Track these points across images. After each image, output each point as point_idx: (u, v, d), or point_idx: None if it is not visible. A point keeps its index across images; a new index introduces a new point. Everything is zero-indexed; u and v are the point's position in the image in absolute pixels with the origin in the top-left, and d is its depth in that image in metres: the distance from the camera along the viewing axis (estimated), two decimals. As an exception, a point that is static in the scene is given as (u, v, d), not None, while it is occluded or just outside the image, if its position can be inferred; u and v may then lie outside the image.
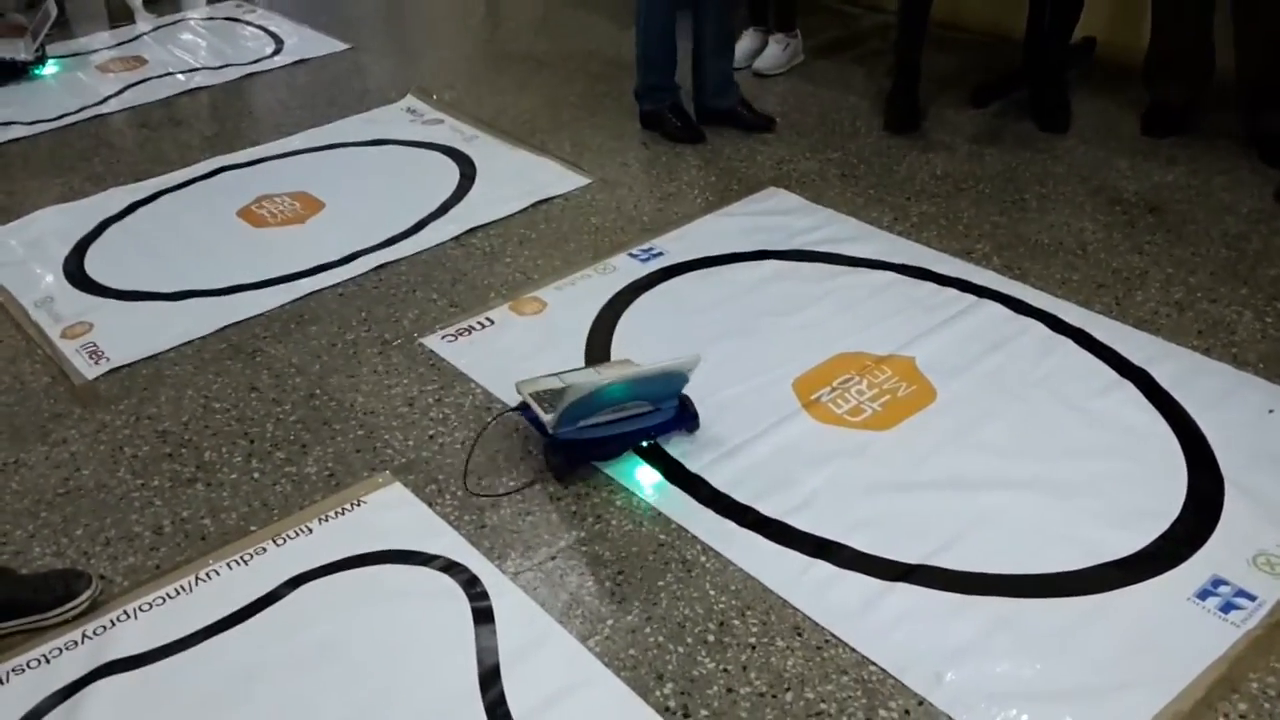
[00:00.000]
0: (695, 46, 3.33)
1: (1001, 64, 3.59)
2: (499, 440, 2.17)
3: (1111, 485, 1.99)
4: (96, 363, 2.48)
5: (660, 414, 2.09)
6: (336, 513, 2.03)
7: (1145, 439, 2.11)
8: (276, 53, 4.29)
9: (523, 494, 2.05)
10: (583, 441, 2.05)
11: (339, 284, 2.76)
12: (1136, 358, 2.32)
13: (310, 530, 1.99)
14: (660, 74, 3.33)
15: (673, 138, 3.35)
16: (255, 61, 4.20)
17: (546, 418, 2.03)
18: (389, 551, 1.94)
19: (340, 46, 4.33)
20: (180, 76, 4.07)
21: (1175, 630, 1.71)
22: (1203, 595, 1.76)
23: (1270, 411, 2.15)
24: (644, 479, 2.06)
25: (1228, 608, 1.74)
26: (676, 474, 2.07)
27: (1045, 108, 3.37)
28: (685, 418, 2.13)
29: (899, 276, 2.65)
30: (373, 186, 3.24)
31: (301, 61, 4.20)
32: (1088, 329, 2.42)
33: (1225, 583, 1.78)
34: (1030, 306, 2.50)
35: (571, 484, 2.05)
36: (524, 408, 2.14)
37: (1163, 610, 1.74)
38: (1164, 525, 1.90)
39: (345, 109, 3.75)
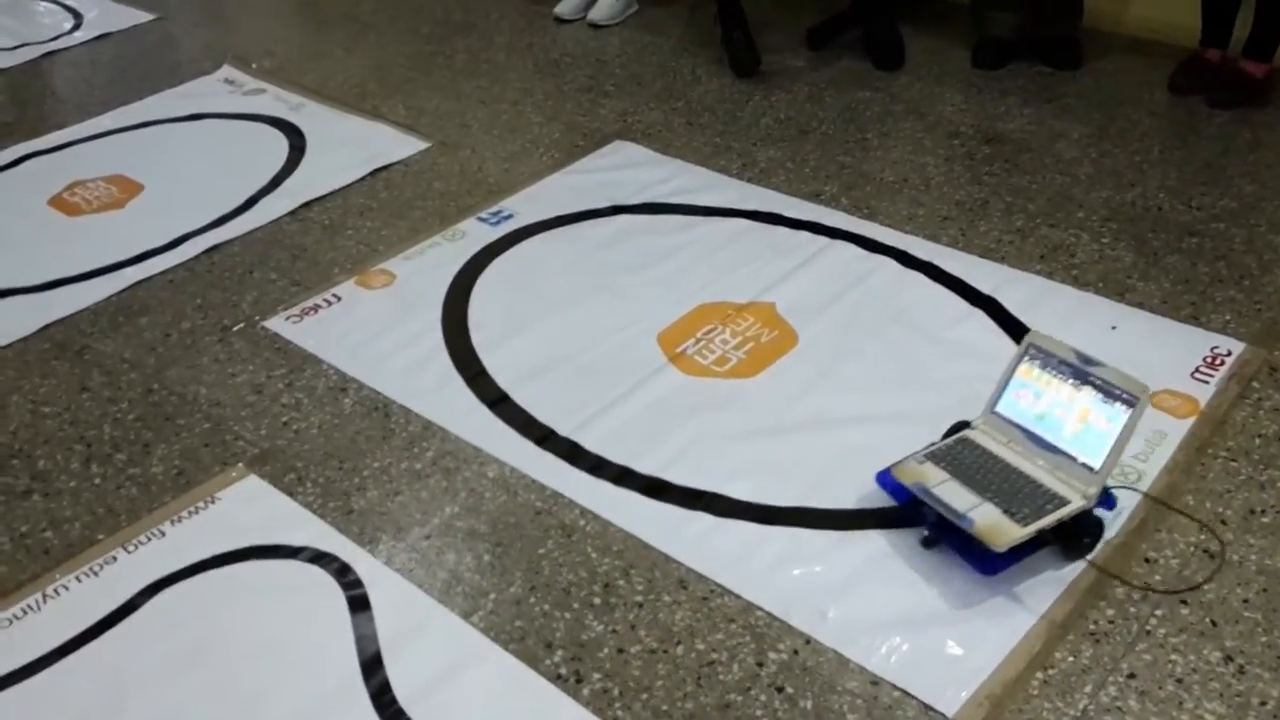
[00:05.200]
0: None
1: (833, 4, 3.62)
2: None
3: (971, 412, 2.04)
4: (-98, 375, 2.27)
5: None
6: (190, 512, 1.91)
7: (999, 364, 2.16)
8: (76, 28, 3.99)
9: (389, 473, 1.98)
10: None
11: (168, 270, 2.59)
12: (985, 286, 2.38)
13: (163, 533, 1.87)
14: None
15: None
16: (54, 39, 3.89)
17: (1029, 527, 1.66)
18: (251, 548, 1.84)
19: (146, 17, 4.05)
20: (-30, 60, 3.74)
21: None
22: (1065, 509, 1.83)
23: (1113, 328, 2.24)
24: None
25: (1089, 519, 1.80)
26: (547, 438, 2.03)
27: (879, 45, 3.42)
28: None
29: (752, 223, 2.65)
30: (195, 164, 3.06)
31: (105, 36, 3.92)
32: (937, 262, 2.47)
33: (1085, 495, 1.85)
34: (881, 244, 2.54)
35: None
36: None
37: (1030, 527, 1.80)
38: (1024, 445, 1.96)
39: (157, 84, 3.52)
